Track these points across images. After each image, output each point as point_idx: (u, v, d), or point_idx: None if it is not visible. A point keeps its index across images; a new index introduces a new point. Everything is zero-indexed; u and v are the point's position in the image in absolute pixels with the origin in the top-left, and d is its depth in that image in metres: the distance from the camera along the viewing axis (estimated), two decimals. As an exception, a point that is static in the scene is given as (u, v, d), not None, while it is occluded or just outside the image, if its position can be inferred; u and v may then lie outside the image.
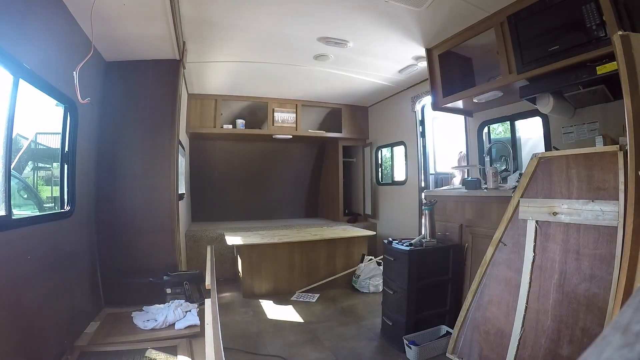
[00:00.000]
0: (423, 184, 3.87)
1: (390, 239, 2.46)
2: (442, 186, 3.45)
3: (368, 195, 4.96)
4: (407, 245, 2.28)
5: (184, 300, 2.45)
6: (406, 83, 3.93)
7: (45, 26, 1.77)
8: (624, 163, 1.48)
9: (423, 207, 2.41)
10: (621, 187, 1.47)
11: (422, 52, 3.01)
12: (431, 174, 3.94)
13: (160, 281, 2.60)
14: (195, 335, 2.09)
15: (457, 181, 3.44)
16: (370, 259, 3.56)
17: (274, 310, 2.92)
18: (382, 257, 2.71)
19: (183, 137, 3.71)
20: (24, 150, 3.24)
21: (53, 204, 2.86)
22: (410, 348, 2.03)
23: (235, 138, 4.80)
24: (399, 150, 4.44)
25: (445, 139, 4.04)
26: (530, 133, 3.00)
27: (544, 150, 2.51)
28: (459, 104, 2.97)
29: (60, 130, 2.15)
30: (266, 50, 3.10)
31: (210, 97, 4.30)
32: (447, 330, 2.18)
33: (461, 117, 3.42)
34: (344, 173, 5.11)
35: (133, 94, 2.80)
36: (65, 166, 2.16)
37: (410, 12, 2.39)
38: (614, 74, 1.68)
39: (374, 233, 4.08)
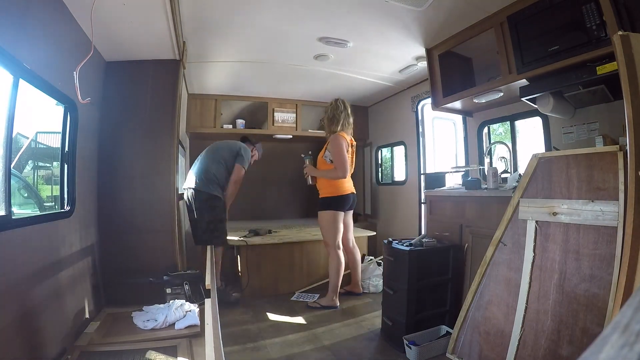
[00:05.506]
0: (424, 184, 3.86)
1: (390, 239, 2.46)
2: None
3: (368, 195, 4.95)
4: (407, 245, 2.28)
5: (184, 300, 2.45)
6: (406, 83, 3.93)
7: (45, 26, 1.76)
8: (624, 163, 1.48)
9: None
10: (621, 187, 1.47)
11: (422, 52, 3.01)
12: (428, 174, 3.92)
13: (160, 281, 2.60)
14: (195, 335, 2.08)
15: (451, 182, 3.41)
16: (370, 259, 3.56)
17: (274, 310, 2.92)
18: (382, 257, 2.71)
19: (183, 137, 3.71)
20: (25, 149, 3.23)
21: (53, 203, 2.86)
22: (410, 348, 2.03)
23: (235, 138, 4.78)
24: (399, 150, 4.43)
25: (443, 139, 4.04)
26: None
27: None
28: (459, 104, 2.97)
29: (60, 129, 2.15)
30: (266, 50, 3.10)
31: (210, 97, 4.30)
32: (447, 330, 2.18)
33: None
34: (344, 173, 5.10)
35: (133, 94, 2.80)
36: (66, 166, 2.15)
37: (411, 12, 2.39)
38: (614, 74, 1.68)
39: (374, 233, 4.07)
